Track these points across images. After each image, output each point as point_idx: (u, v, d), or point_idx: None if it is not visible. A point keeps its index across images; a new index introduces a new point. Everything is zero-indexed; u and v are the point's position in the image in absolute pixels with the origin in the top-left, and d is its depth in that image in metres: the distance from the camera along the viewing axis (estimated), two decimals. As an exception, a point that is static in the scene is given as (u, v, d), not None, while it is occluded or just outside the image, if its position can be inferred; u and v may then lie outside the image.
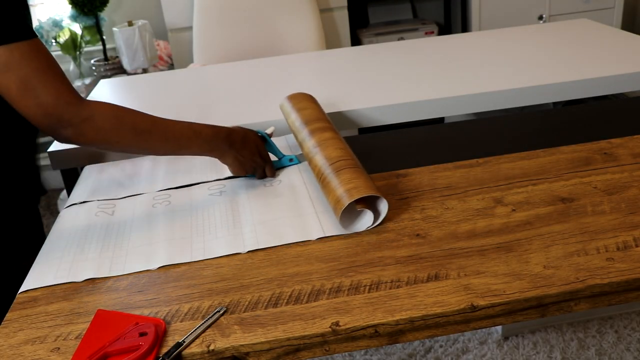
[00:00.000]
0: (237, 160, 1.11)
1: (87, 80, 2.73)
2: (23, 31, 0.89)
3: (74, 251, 0.98)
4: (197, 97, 1.68)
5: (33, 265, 0.96)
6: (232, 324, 0.79)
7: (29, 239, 1.09)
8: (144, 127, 0.99)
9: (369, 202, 0.99)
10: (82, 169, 1.34)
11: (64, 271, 0.93)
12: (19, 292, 0.90)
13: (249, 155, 1.12)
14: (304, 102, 1.26)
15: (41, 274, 0.93)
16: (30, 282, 0.92)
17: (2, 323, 0.84)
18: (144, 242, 0.99)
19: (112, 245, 0.99)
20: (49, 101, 0.89)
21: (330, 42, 2.82)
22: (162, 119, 1.02)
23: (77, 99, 0.92)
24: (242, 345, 0.76)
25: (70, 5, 2.62)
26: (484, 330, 1.89)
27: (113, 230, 1.03)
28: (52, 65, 0.91)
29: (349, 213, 0.99)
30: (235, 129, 1.12)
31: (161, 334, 0.78)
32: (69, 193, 1.28)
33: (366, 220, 0.97)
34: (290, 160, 1.21)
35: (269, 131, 1.21)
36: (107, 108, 0.96)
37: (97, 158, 1.40)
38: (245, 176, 1.17)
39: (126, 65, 2.65)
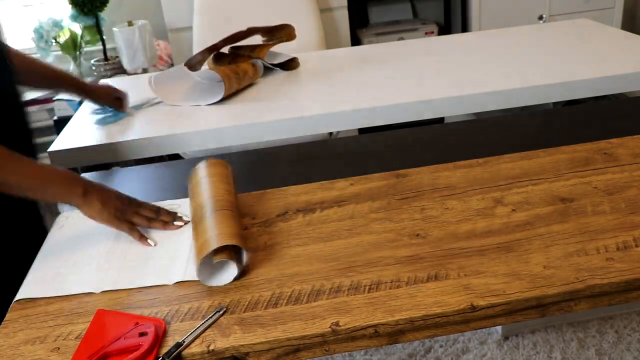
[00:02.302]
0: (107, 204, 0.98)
1: (87, 80, 2.73)
2: None
3: (66, 264, 0.96)
4: (197, 97, 1.68)
5: (29, 272, 0.95)
6: (232, 324, 0.79)
7: (30, 239, 1.09)
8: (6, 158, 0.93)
9: (233, 250, 0.90)
10: (82, 169, 1.34)
11: (56, 284, 0.91)
12: (13, 301, 0.89)
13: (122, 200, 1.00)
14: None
15: (34, 284, 0.91)
16: (24, 292, 0.90)
17: (2, 323, 0.84)
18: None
19: (109, 257, 0.97)
20: None
21: (330, 42, 2.82)
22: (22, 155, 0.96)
23: None
24: (242, 345, 0.76)
25: (70, 5, 2.61)
26: (484, 330, 1.89)
27: (110, 240, 1.01)
28: None
29: (213, 264, 0.90)
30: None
31: (161, 334, 0.78)
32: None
33: (231, 272, 0.88)
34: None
35: None
36: None
37: (97, 158, 1.40)
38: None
39: (126, 65, 2.64)
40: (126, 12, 2.90)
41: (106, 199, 0.99)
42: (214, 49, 1.76)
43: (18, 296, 0.89)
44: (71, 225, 1.07)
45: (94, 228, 1.03)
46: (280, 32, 1.87)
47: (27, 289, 0.91)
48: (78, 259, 0.97)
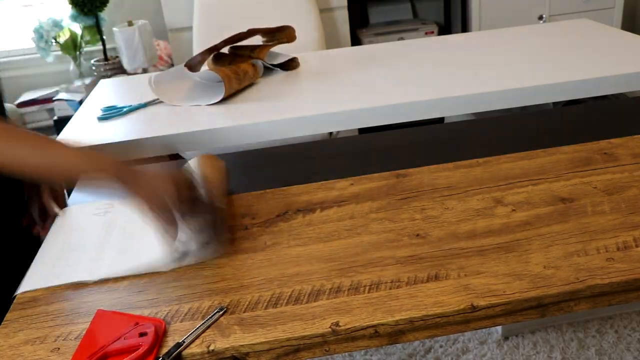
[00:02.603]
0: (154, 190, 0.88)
1: (87, 80, 2.73)
2: None
3: (65, 256, 0.98)
4: (197, 97, 1.68)
5: (31, 266, 0.97)
6: (232, 324, 0.79)
7: (28, 239, 1.10)
8: (10, 130, 0.89)
9: None
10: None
11: (55, 277, 0.93)
12: (15, 293, 0.90)
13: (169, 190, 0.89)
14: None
15: (37, 276, 0.94)
16: (27, 284, 0.92)
17: (2, 323, 0.84)
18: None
19: (110, 246, 1.00)
20: None
21: (330, 42, 2.82)
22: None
23: None
24: (242, 346, 0.76)
25: (70, 5, 2.61)
26: (484, 330, 1.89)
27: (112, 231, 1.04)
28: None
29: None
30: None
31: (161, 334, 0.78)
32: (68, 194, 1.28)
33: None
34: None
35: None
36: None
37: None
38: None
39: (126, 65, 2.65)
40: (126, 12, 2.90)
41: (154, 194, 0.88)
42: (214, 50, 1.76)
43: (20, 290, 0.91)
44: (71, 220, 1.09)
45: (93, 222, 1.06)
46: (281, 34, 1.87)
47: (28, 283, 0.92)
48: (77, 252, 0.99)
